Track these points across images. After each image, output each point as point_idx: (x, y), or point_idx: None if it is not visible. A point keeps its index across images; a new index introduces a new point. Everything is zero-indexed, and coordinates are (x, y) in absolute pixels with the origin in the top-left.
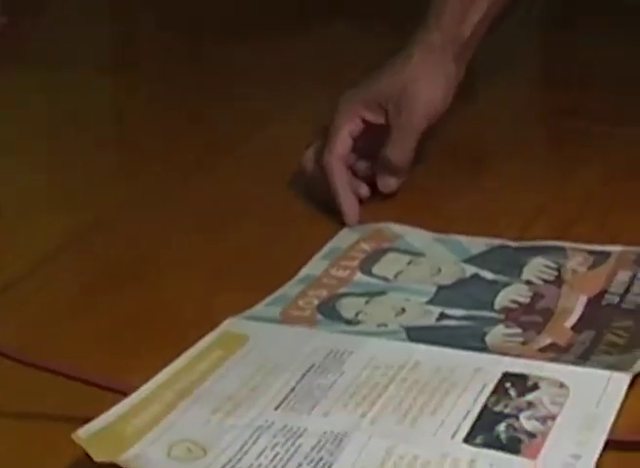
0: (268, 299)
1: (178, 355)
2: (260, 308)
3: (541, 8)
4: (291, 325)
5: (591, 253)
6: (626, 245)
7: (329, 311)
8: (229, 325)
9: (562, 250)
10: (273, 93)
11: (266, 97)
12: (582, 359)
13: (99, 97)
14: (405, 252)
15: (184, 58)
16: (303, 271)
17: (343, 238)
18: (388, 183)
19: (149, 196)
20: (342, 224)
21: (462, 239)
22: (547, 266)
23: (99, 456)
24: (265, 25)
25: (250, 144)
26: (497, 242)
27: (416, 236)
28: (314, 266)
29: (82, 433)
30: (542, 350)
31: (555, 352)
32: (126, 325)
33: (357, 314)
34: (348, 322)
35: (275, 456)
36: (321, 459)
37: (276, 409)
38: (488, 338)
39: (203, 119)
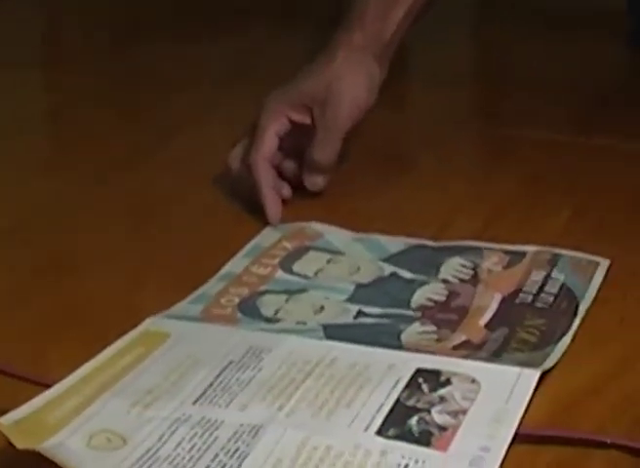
0: (190, 298)
1: (100, 350)
2: (181, 306)
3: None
4: (211, 323)
5: (507, 252)
6: (541, 245)
7: (249, 309)
8: (151, 323)
9: (478, 250)
10: (197, 93)
11: (190, 98)
12: (495, 356)
13: (25, 94)
14: (325, 250)
15: (111, 58)
16: (225, 269)
17: (266, 236)
18: (315, 182)
19: (74, 192)
20: (266, 223)
21: (381, 238)
22: (464, 266)
23: (20, 444)
24: (187, 26)
25: (174, 143)
26: (415, 241)
27: (336, 235)
28: (235, 264)
29: (4, 421)
30: (456, 348)
31: (468, 349)
32: (49, 320)
33: (277, 312)
34: (268, 320)
35: (193, 447)
36: (237, 450)
37: (194, 403)
38: (403, 336)
39: (129, 118)
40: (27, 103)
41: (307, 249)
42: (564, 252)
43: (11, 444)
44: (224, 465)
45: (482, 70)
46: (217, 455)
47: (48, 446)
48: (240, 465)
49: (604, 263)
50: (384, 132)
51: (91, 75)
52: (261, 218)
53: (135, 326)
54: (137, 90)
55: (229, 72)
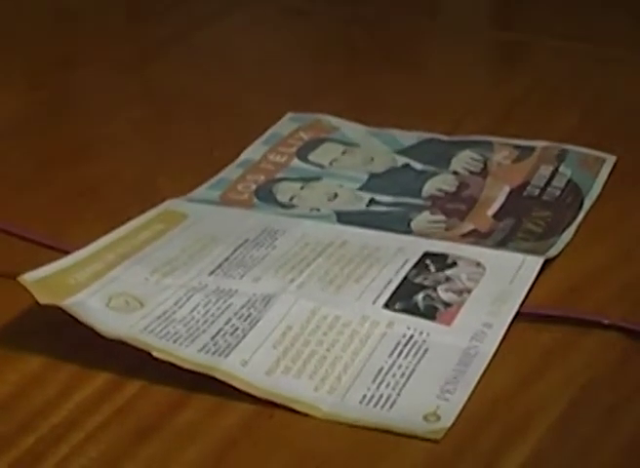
0: (208, 183)
1: (121, 225)
2: (199, 191)
3: None
4: (229, 206)
5: (517, 147)
6: (549, 141)
7: (265, 195)
8: (170, 204)
9: (489, 144)
10: None
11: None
12: (501, 245)
13: None
14: (341, 142)
15: None
16: (243, 155)
17: (284, 126)
18: None
19: (92, 83)
20: (284, 112)
21: (395, 132)
22: (474, 159)
23: (43, 299)
24: None
25: (194, 39)
26: (428, 136)
27: (351, 128)
28: (254, 151)
29: (28, 277)
30: (464, 236)
31: (476, 237)
32: (69, 200)
33: (292, 198)
34: (283, 205)
35: (207, 312)
36: (250, 315)
37: (210, 274)
38: (413, 224)
39: (148, 14)
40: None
41: (323, 140)
42: (572, 147)
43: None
44: (237, 329)
45: None
46: (229, 320)
47: (69, 303)
48: (252, 329)
49: (610, 160)
50: (403, 36)
51: None
52: (278, 108)
53: (154, 205)
54: None
55: None
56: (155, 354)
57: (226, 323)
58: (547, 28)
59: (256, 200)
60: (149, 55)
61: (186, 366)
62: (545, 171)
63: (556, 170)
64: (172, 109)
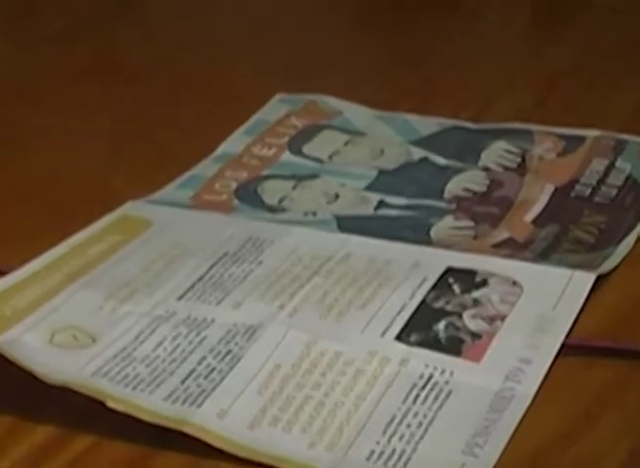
0: (178, 181)
1: (68, 237)
2: (167, 191)
3: None
4: (203, 210)
5: (562, 137)
6: (603, 129)
7: (249, 196)
8: (130, 208)
9: (528, 133)
10: None
11: None
12: (542, 257)
13: None
14: (343, 130)
15: None
16: (221, 148)
17: (271, 110)
18: None
19: (34, 56)
20: (272, 93)
21: (411, 118)
22: (509, 151)
23: None
24: None
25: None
26: (451, 122)
27: (357, 113)
28: (234, 143)
29: None
30: (496, 246)
31: (511, 248)
32: (5, 203)
33: (281, 200)
34: (271, 209)
35: (176, 348)
36: (229, 352)
37: (179, 299)
38: (433, 231)
39: None
40: None
41: (321, 127)
42: (631, 137)
43: None
44: (213, 370)
45: None
46: (204, 358)
47: (1, 341)
48: (231, 369)
49: None
50: None
51: None
52: (267, 88)
53: (110, 210)
54: None
55: None
56: (110, 404)
57: (200, 362)
58: None
59: (236, 202)
60: (101, 20)
61: (149, 419)
62: (599, 165)
63: (612, 164)
64: (131, 89)
